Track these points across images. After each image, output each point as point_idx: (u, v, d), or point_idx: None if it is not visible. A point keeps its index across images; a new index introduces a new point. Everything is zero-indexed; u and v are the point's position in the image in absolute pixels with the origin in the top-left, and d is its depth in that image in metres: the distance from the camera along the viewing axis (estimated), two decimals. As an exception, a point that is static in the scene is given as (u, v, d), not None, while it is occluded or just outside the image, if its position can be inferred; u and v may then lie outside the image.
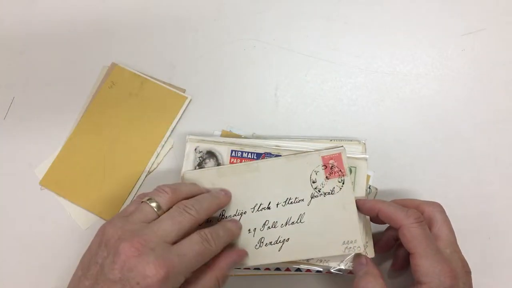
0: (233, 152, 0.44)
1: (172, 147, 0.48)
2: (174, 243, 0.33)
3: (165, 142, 0.47)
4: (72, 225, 0.46)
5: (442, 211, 0.38)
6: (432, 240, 0.35)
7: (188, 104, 0.48)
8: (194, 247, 0.33)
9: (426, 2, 0.51)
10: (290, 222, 0.40)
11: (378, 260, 0.43)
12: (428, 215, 0.37)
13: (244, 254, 0.38)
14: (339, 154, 0.41)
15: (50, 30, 0.52)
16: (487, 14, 0.51)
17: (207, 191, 0.40)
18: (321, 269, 0.42)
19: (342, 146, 0.42)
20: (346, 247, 0.39)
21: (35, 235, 0.46)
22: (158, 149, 0.47)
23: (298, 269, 0.42)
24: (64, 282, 0.34)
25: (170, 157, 0.47)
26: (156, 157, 0.47)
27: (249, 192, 0.41)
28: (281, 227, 0.40)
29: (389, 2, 0.51)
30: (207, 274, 0.35)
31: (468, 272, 0.35)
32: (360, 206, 0.40)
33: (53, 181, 0.47)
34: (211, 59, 0.50)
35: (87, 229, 0.46)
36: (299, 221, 0.40)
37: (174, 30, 0.51)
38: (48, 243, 0.46)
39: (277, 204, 0.40)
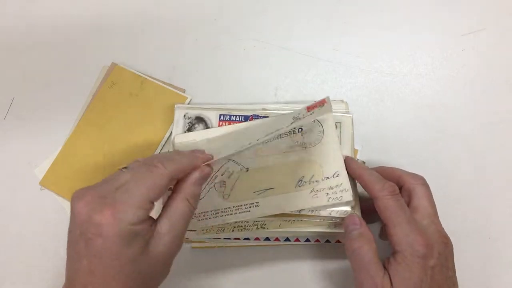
0: (222, 116, 0.44)
1: (172, 148, 0.48)
2: None
3: (165, 142, 0.47)
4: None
5: (424, 184, 0.38)
6: (406, 211, 0.35)
7: (188, 104, 0.48)
8: (137, 177, 0.32)
9: (426, 2, 0.51)
10: (265, 136, 0.40)
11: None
12: (408, 187, 0.38)
13: (206, 169, 0.36)
14: (324, 99, 0.41)
15: (50, 30, 0.52)
16: (487, 14, 0.51)
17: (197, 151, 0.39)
18: (310, 238, 0.43)
19: (327, 96, 0.41)
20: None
21: (35, 235, 0.46)
22: (158, 149, 0.47)
23: (287, 239, 0.43)
24: (63, 282, 0.34)
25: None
26: (156, 157, 0.47)
27: (235, 143, 0.41)
28: (256, 141, 0.40)
29: (389, 2, 0.52)
30: (175, 198, 0.34)
31: (445, 243, 0.35)
32: (347, 165, 0.40)
33: (53, 181, 0.47)
34: (211, 59, 0.50)
35: (87, 229, 0.46)
36: (276, 131, 0.40)
37: (174, 30, 0.51)
38: (48, 243, 0.46)
39: (258, 139, 0.40)
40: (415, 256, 0.33)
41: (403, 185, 0.38)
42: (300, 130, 0.41)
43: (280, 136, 0.41)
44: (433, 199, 0.37)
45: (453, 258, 0.36)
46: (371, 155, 0.47)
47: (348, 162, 0.40)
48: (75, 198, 0.31)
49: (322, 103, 0.41)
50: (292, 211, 0.40)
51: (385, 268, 0.34)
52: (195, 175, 0.35)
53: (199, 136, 0.43)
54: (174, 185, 0.35)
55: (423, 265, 0.33)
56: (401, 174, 0.39)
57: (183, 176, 0.35)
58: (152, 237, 0.31)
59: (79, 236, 0.30)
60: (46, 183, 0.47)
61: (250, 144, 0.40)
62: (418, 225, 0.35)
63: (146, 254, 0.31)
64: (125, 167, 0.35)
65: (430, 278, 0.33)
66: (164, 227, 0.32)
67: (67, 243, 0.32)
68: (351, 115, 0.44)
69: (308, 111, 0.41)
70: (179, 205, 0.33)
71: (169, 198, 0.34)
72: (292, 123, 0.41)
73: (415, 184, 0.38)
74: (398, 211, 0.35)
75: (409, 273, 0.33)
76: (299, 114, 0.42)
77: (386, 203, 0.36)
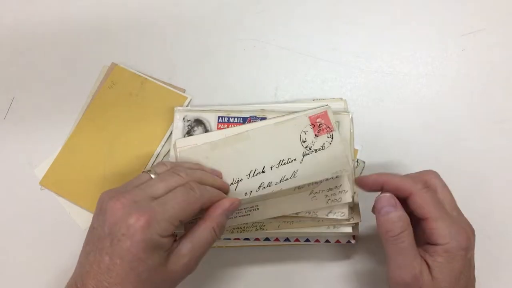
0: (220, 118, 0.45)
1: (173, 151, 0.47)
2: None
3: (165, 142, 0.47)
4: (71, 225, 0.46)
5: (439, 177, 0.37)
6: (442, 204, 0.35)
7: (188, 104, 0.48)
8: (176, 195, 0.34)
9: (426, 2, 0.51)
10: (284, 179, 0.40)
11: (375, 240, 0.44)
12: (428, 183, 0.37)
13: (236, 202, 0.38)
14: (325, 112, 0.43)
15: (50, 30, 0.52)
16: (487, 14, 0.51)
17: (209, 169, 0.41)
18: (309, 238, 0.43)
19: (327, 105, 0.43)
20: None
21: (35, 235, 0.46)
22: (158, 149, 0.47)
23: (287, 239, 0.43)
24: (63, 282, 0.34)
25: (170, 157, 0.47)
26: (156, 157, 0.47)
27: (243, 160, 0.42)
28: (275, 184, 0.40)
29: (389, 2, 0.51)
30: (202, 226, 0.35)
31: (473, 232, 0.36)
32: (361, 182, 0.39)
33: (53, 181, 0.47)
34: (211, 59, 0.50)
35: (87, 229, 0.45)
36: (292, 176, 0.41)
37: (174, 30, 0.51)
38: (48, 243, 0.46)
39: (271, 167, 0.41)
40: (459, 249, 0.33)
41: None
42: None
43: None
44: (450, 190, 0.37)
45: None
46: (371, 155, 0.47)
47: (362, 179, 0.38)
48: (109, 198, 0.33)
49: (324, 116, 0.42)
50: (291, 214, 0.40)
51: (425, 261, 0.34)
52: (225, 206, 0.37)
53: (199, 140, 0.43)
54: (206, 212, 0.37)
55: (464, 257, 0.33)
56: (416, 175, 0.38)
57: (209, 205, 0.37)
58: (172, 254, 0.33)
59: (107, 234, 0.32)
60: (46, 183, 0.47)
61: (264, 169, 0.41)
62: (454, 218, 0.35)
63: (164, 268, 0.32)
64: (149, 170, 0.37)
65: (468, 270, 0.34)
66: (185, 248, 0.34)
67: (88, 238, 0.34)
68: (350, 114, 0.44)
69: (313, 127, 0.42)
70: (204, 232, 0.35)
71: (197, 224, 0.36)
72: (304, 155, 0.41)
73: (433, 178, 0.37)
74: (438, 205, 0.35)
75: (451, 265, 0.33)
76: (305, 140, 0.42)
77: (425, 198, 0.35)
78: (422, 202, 0.35)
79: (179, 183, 0.35)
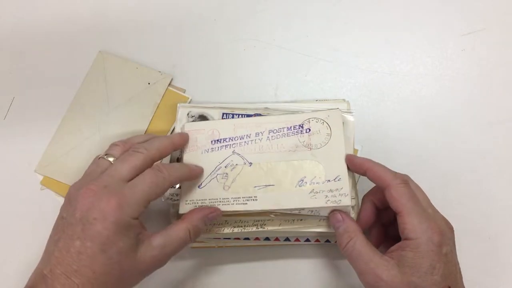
0: (225, 115, 0.45)
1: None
2: (129, 181, 0.34)
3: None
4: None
5: (410, 179, 0.38)
6: (417, 200, 0.36)
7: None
8: (145, 177, 0.34)
9: (426, 2, 0.51)
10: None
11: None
12: (406, 181, 0.38)
13: (217, 211, 0.39)
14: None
15: (50, 30, 0.52)
16: (487, 14, 0.51)
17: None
18: (310, 238, 0.43)
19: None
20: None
21: (35, 235, 0.46)
22: (158, 149, 0.47)
23: (287, 239, 0.43)
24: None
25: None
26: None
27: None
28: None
29: (389, 2, 0.52)
30: (178, 225, 0.36)
31: (451, 229, 0.36)
32: (349, 161, 0.40)
33: (53, 181, 0.47)
34: (211, 59, 0.50)
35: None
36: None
37: (174, 30, 0.51)
38: (48, 243, 0.46)
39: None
40: (430, 244, 0.33)
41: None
42: (308, 130, 0.41)
43: (287, 134, 0.41)
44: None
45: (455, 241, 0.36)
46: (371, 155, 0.46)
47: (351, 159, 0.40)
48: (77, 189, 0.34)
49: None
50: (288, 208, 0.40)
51: (391, 257, 0.34)
52: (205, 212, 0.38)
53: (208, 126, 0.43)
54: (185, 214, 0.38)
55: (438, 253, 0.33)
56: (383, 174, 0.38)
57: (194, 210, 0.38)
58: (143, 244, 0.34)
59: (78, 220, 0.32)
60: (46, 183, 0.47)
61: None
62: (428, 214, 0.35)
63: (133, 254, 0.33)
64: (106, 155, 0.37)
65: (443, 265, 0.33)
66: (157, 241, 0.34)
67: (55, 227, 0.34)
68: (353, 115, 0.44)
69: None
70: (179, 231, 0.36)
71: (175, 223, 0.37)
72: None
73: (408, 179, 0.38)
74: (412, 200, 0.35)
75: (421, 260, 0.33)
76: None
77: (400, 191, 0.36)
78: (397, 195, 0.36)
79: (141, 159, 0.35)
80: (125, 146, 0.38)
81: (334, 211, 0.39)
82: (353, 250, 0.36)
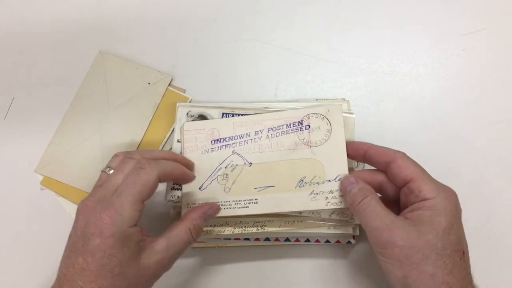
0: (224, 115, 0.44)
1: (172, 148, 0.47)
2: None
3: (165, 143, 0.47)
4: (71, 225, 0.46)
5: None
6: (423, 168, 0.36)
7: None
8: (127, 181, 0.34)
9: (426, 2, 0.51)
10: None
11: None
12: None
13: (215, 206, 0.39)
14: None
15: (50, 30, 0.52)
16: (487, 14, 0.51)
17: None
18: (310, 239, 0.43)
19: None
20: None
21: (35, 235, 0.46)
22: (159, 148, 0.47)
23: (287, 239, 0.43)
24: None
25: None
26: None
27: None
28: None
29: (389, 2, 0.51)
30: (179, 226, 0.36)
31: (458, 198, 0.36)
32: (349, 146, 0.40)
33: (53, 181, 0.47)
34: (211, 59, 0.50)
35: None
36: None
37: (174, 30, 0.51)
38: (48, 243, 0.46)
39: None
40: (447, 203, 0.33)
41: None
42: (307, 127, 0.41)
43: (287, 132, 0.41)
44: None
45: None
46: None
47: (350, 143, 0.40)
48: (79, 206, 0.34)
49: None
50: (289, 212, 0.40)
51: (405, 217, 0.34)
52: (204, 209, 0.38)
53: (207, 125, 0.43)
54: (184, 213, 0.38)
55: (455, 212, 0.34)
56: (385, 150, 0.38)
57: (192, 208, 0.38)
58: (145, 250, 0.33)
59: (79, 237, 0.33)
60: (46, 183, 0.47)
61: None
62: (436, 180, 0.35)
63: (136, 262, 0.33)
64: (108, 167, 0.37)
65: (459, 228, 0.34)
66: (160, 245, 0.34)
67: (65, 248, 0.34)
68: (353, 115, 0.43)
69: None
70: (180, 232, 0.36)
71: (175, 224, 0.36)
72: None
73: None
74: (419, 166, 0.36)
75: (440, 218, 0.33)
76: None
77: (407, 161, 0.36)
78: (405, 165, 0.36)
79: (133, 165, 0.35)
80: (126, 157, 0.37)
81: (347, 176, 0.38)
82: (368, 206, 0.35)
